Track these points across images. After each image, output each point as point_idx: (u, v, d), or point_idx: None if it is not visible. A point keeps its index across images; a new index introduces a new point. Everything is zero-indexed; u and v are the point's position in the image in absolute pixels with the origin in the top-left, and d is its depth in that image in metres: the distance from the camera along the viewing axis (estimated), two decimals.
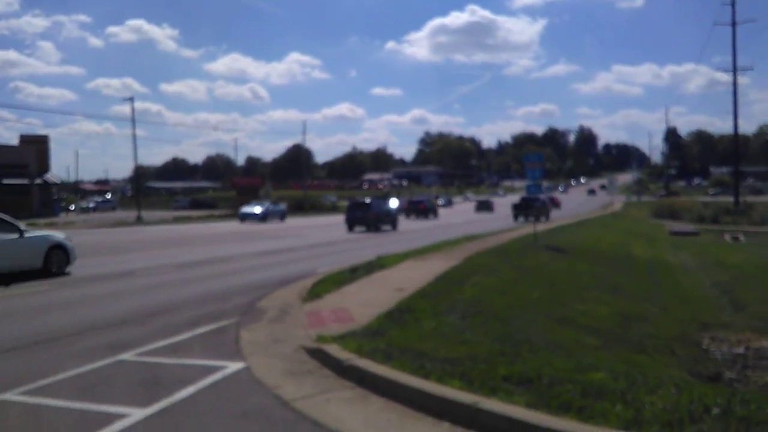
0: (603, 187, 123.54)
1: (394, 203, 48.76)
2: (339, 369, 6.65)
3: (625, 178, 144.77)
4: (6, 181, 54.04)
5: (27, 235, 15.29)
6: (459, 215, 59.56)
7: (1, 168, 53.77)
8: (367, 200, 38.90)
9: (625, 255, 24.16)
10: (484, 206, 67.93)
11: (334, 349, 7.12)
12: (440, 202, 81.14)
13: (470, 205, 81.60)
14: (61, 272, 15.71)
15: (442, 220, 49.85)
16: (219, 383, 6.41)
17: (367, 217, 35.24)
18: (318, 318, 9.36)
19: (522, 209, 46.21)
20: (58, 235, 16.89)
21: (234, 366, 7.01)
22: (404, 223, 42.76)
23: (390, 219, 37.48)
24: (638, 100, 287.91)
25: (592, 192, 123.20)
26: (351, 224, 35.53)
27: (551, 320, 9.93)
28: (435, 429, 5.10)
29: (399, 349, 6.90)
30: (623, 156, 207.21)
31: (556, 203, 67.54)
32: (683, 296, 16.39)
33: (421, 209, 54.48)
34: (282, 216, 51.16)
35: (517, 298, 11.32)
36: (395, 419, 5.32)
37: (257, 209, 49.29)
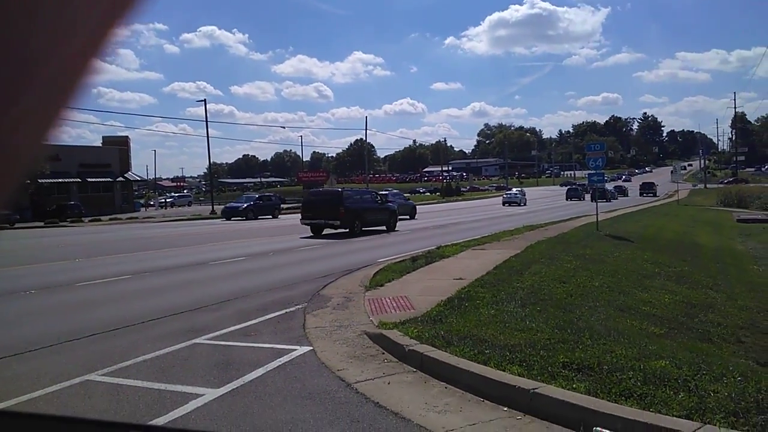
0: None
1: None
2: (400, 354, 6.80)
3: (692, 165, 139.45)
4: (91, 179, 57.33)
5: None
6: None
7: (86, 167, 57.18)
8: (576, 185, 75.47)
9: (690, 243, 23.49)
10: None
11: (395, 335, 7.29)
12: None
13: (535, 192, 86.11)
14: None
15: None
16: (286, 366, 6.69)
17: (577, 194, 66.81)
18: (380, 305, 9.58)
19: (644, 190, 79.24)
20: None
21: (300, 349, 7.29)
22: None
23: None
24: (705, 87, 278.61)
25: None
26: (569, 197, 65.93)
27: (613, 308, 9.83)
28: (493, 413, 5.16)
29: (458, 336, 7.00)
30: (689, 143, 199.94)
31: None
32: (751, 284, 15.85)
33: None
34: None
35: (577, 286, 11.21)
36: (454, 403, 5.44)
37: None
